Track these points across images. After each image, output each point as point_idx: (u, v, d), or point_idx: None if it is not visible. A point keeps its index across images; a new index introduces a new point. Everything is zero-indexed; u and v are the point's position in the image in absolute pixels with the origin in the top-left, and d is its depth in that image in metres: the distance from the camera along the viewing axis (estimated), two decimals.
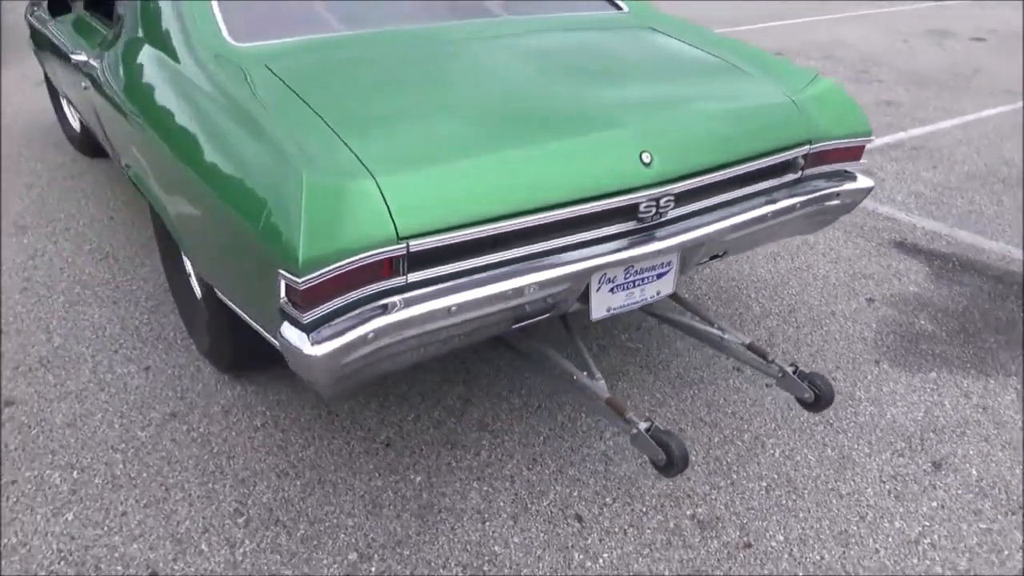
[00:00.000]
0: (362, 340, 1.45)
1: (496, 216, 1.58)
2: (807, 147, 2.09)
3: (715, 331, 2.13)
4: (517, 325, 1.81)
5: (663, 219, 1.85)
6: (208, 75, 1.86)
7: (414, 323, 1.52)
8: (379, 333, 1.47)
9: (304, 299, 1.40)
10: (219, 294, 1.94)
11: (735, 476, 2.06)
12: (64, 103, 4.48)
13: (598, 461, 2.10)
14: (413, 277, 1.54)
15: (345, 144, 1.58)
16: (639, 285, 1.92)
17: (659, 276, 1.95)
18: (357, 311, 1.48)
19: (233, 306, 1.84)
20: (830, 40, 8.09)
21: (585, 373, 1.91)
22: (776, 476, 2.07)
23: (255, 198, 1.51)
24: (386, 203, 1.48)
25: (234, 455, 2.11)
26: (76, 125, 4.39)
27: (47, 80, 4.51)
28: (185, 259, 2.51)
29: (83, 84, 2.78)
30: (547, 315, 1.87)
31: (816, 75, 2.23)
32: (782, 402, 2.35)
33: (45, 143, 4.63)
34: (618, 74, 2.08)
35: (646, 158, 1.76)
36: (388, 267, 1.50)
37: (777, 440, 2.20)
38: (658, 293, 1.98)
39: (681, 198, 1.85)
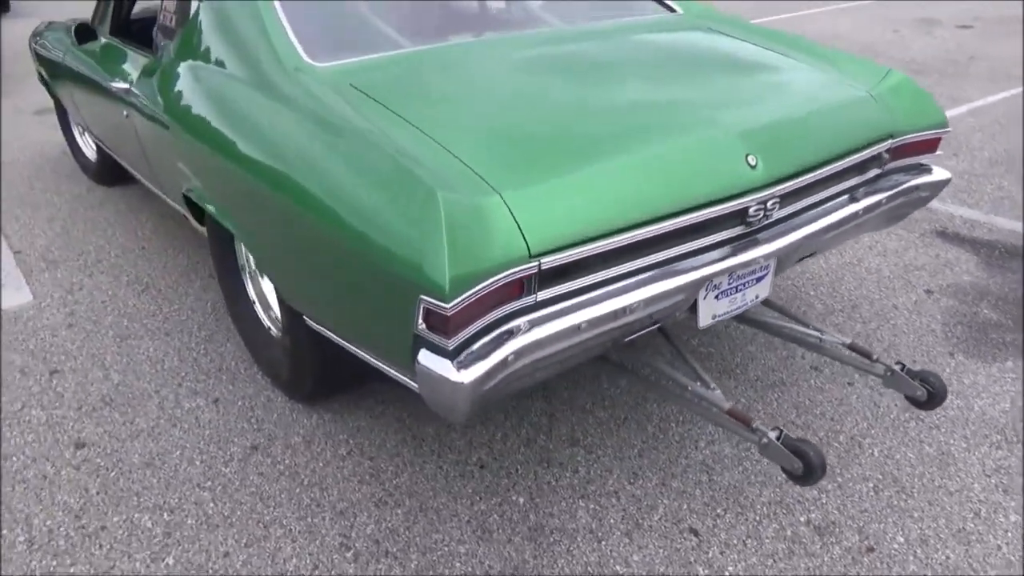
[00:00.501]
0: (503, 363, 1.40)
1: (619, 228, 1.54)
2: (889, 141, 2.07)
3: (813, 332, 2.11)
4: (628, 338, 1.77)
5: (768, 221, 1.82)
6: (297, 96, 1.80)
7: (548, 342, 1.47)
8: (518, 355, 1.43)
9: (450, 324, 1.35)
10: (310, 323, 1.88)
11: (840, 479, 2.03)
12: (77, 132, 4.39)
13: (699, 471, 2.07)
14: (542, 295, 1.50)
15: (459, 159, 1.54)
16: (740, 290, 1.89)
17: (758, 280, 1.92)
18: (493, 334, 1.43)
19: (335, 335, 1.78)
20: (827, 32, 8.15)
21: (698, 383, 1.88)
22: (881, 476, 2.04)
23: (381, 221, 1.45)
24: (515, 220, 1.43)
25: (326, 486, 2.04)
26: (91, 154, 4.29)
27: (58, 109, 4.40)
28: (249, 288, 2.44)
29: (123, 112, 2.71)
30: (655, 326, 1.83)
31: (889, 70, 2.22)
32: (867, 399, 2.33)
33: (57, 174, 4.52)
34: (699, 77, 2.05)
35: (751, 160, 1.73)
36: (520, 286, 1.46)
37: (873, 440, 2.17)
38: (756, 297, 1.95)
39: (784, 199, 1.82)
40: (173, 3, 2.54)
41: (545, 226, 1.46)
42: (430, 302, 1.34)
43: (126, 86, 2.64)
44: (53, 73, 3.88)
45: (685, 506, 1.96)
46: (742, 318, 2.19)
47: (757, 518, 1.91)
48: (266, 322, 2.41)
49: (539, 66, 2.05)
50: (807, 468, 1.64)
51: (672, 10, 2.62)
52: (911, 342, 2.62)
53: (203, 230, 2.56)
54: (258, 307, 2.44)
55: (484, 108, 1.78)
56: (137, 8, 3.29)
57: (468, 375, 1.36)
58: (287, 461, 2.14)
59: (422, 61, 2.02)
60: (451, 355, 1.38)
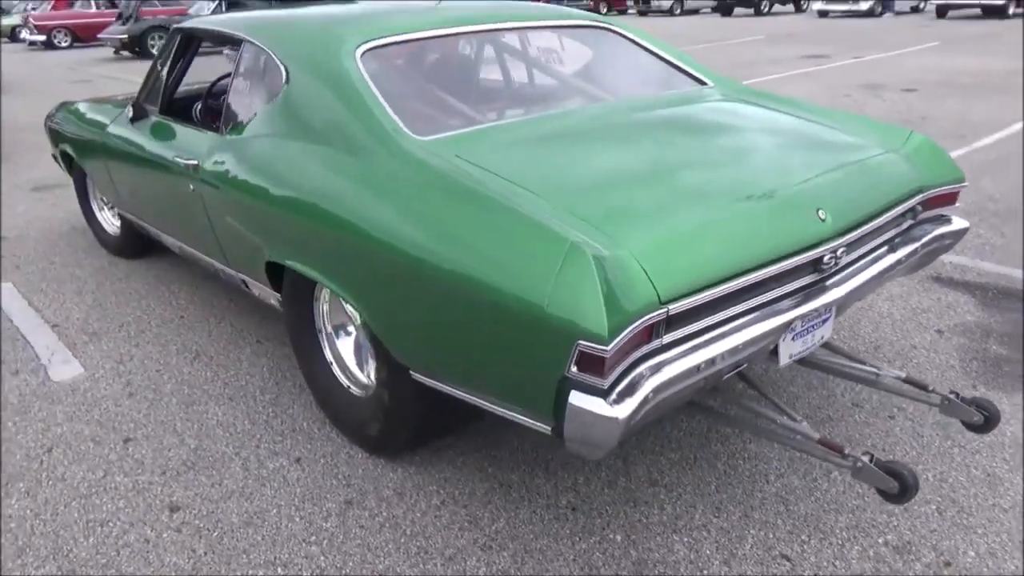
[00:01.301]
0: (646, 400, 1.56)
1: (726, 276, 1.73)
2: (920, 195, 2.33)
3: (869, 369, 2.31)
4: (725, 376, 1.94)
5: (835, 269, 2.04)
6: (413, 169, 1.97)
7: (676, 380, 1.64)
8: (655, 392, 1.59)
9: (606, 365, 1.50)
10: (421, 378, 2.00)
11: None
12: (96, 207, 4.46)
13: (776, 502, 2.22)
14: (667, 338, 1.67)
15: (578, 217, 1.72)
16: (810, 332, 2.09)
17: (823, 322, 2.12)
18: (632, 375, 1.59)
19: (456, 388, 1.90)
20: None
21: (785, 417, 2.05)
22: (940, 498, 2.22)
23: (524, 278, 1.60)
24: (644, 271, 1.61)
25: (429, 535, 2.14)
26: (112, 229, 4.36)
27: (78, 186, 4.47)
28: (325, 350, 2.55)
29: (188, 187, 2.83)
30: (740, 368, 2.01)
31: (911, 132, 2.50)
32: (910, 431, 2.53)
33: (73, 248, 4.57)
34: (756, 140, 2.29)
35: (822, 215, 1.95)
36: (649, 332, 1.62)
37: (925, 466, 2.36)
38: (821, 338, 2.15)
39: (848, 249, 2.05)
40: (245, 82, 2.71)
41: (669, 276, 1.64)
42: (588, 346, 1.50)
43: (194, 162, 2.77)
44: (82, 150, 3.97)
45: (771, 535, 2.10)
46: (804, 360, 2.38)
47: (839, 542, 2.07)
48: (344, 381, 2.52)
49: (616, 132, 2.26)
50: (903, 487, 1.81)
51: (703, 82, 2.89)
52: (936, 377, 2.85)
53: (265, 298, 2.67)
54: (335, 368, 2.55)
55: (584, 170, 1.98)
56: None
57: (622, 411, 1.51)
58: (384, 513, 2.22)
59: (512, 132, 2.22)
60: (605, 394, 1.54)
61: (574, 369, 1.55)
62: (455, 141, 2.11)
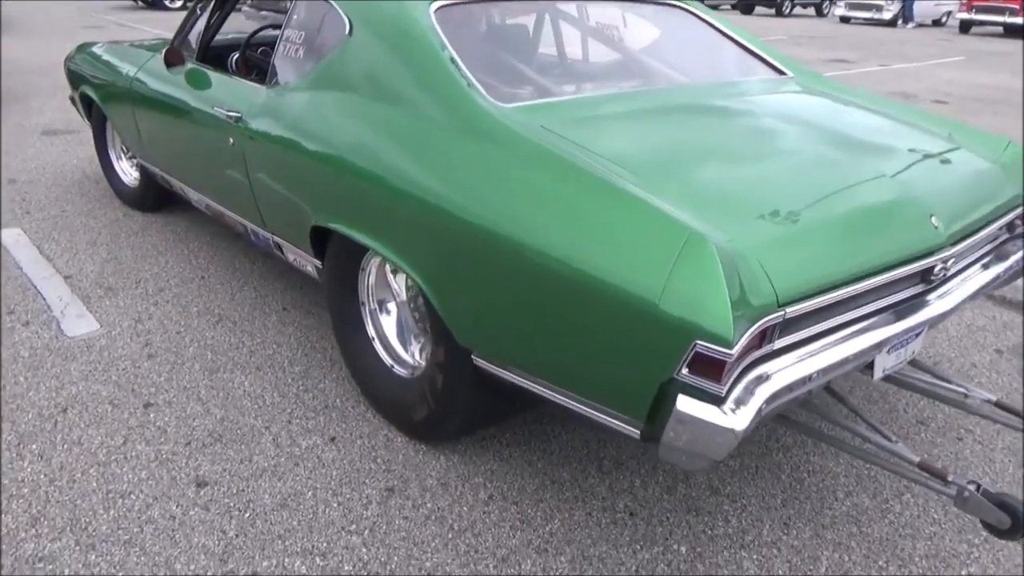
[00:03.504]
0: (759, 411, 1.40)
1: (841, 280, 1.57)
2: (1020, 208, 2.18)
3: (957, 389, 2.16)
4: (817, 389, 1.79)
5: (942, 280, 1.88)
6: (498, 137, 1.79)
7: (787, 391, 1.48)
8: (769, 401, 1.43)
9: (725, 370, 1.34)
10: (484, 364, 1.84)
11: (984, 531, 2.07)
12: (114, 156, 4.25)
13: (847, 522, 2.08)
14: (779, 343, 1.51)
15: (685, 204, 1.55)
16: (904, 346, 1.94)
17: (916, 335, 1.97)
18: (745, 380, 1.44)
19: (529, 380, 1.73)
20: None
21: (879, 436, 1.90)
22: None
23: (636, 266, 1.43)
24: (764, 270, 1.45)
25: (478, 532, 1.98)
26: (129, 180, 4.16)
27: (96, 133, 4.25)
28: (368, 326, 2.38)
29: (228, 140, 2.64)
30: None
31: (1009, 141, 2.34)
32: (980, 454, 2.39)
33: (86, 197, 4.36)
34: (848, 137, 2.12)
35: (935, 222, 1.80)
36: (763, 335, 1.46)
37: (1000, 490, 2.22)
38: (912, 352, 2.00)
39: (956, 259, 1.89)
40: (298, 33, 2.52)
41: (786, 276, 1.48)
42: (707, 347, 1.33)
43: (237, 114, 2.58)
44: (106, 95, 3.76)
45: (847, 558, 1.96)
46: (890, 376, 2.23)
47: (919, 571, 1.93)
48: (387, 360, 2.35)
49: (705, 117, 2.09)
50: (1015, 522, 1.67)
51: (782, 72, 2.72)
52: (1002, 399, 2.71)
53: (300, 265, 2.50)
54: (377, 344, 2.38)
55: (680, 155, 1.81)
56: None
57: (739, 421, 1.35)
58: (429, 505, 2.07)
59: (593, 107, 2.04)
60: (720, 401, 1.38)
61: (685, 371, 1.39)
62: (537, 110, 1.94)
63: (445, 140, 1.87)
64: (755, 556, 1.95)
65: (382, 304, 2.39)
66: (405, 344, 2.35)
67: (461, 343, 1.88)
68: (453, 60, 2.00)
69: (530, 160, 1.71)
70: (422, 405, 2.16)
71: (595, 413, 1.62)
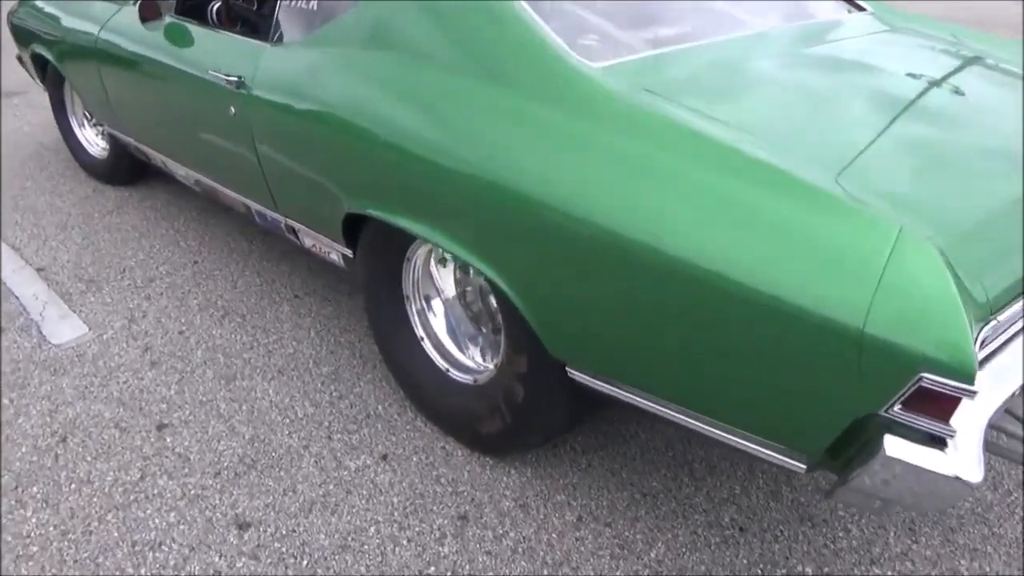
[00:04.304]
0: (984, 445, 1.14)
1: None
2: None
3: None
4: None
5: None
6: (594, 104, 1.46)
7: (998, 413, 1.22)
8: (987, 429, 1.17)
9: (954, 407, 1.07)
10: (584, 378, 1.55)
11: None
12: (76, 125, 3.77)
13: (976, 523, 1.86)
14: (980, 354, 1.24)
15: (865, 191, 1.25)
16: None
17: None
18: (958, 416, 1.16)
19: (657, 404, 1.44)
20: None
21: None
22: None
23: (826, 277, 1.12)
24: (976, 265, 1.17)
25: (575, 565, 1.72)
26: (96, 151, 3.71)
27: (53, 99, 3.76)
28: (416, 325, 2.07)
29: (229, 109, 2.25)
30: None
31: None
32: None
33: (47, 172, 3.89)
34: (980, 93, 1.81)
35: None
36: None
37: None
38: None
39: None
40: None
41: (995, 273, 1.20)
42: (936, 381, 1.05)
43: (236, 78, 2.18)
44: (65, 55, 3.28)
45: (987, 567, 1.75)
46: None
47: None
48: (441, 364, 2.05)
49: (823, 67, 1.77)
50: None
51: (861, 8, 2.39)
52: None
53: (323, 252, 2.17)
54: (427, 345, 2.07)
55: (821, 123, 1.49)
56: None
57: (976, 473, 1.08)
58: (512, 534, 1.80)
59: (687, 62, 1.70)
60: (942, 445, 1.11)
61: (897, 408, 1.11)
62: (636, 69, 1.60)
63: (522, 109, 1.52)
64: (889, 573, 1.73)
65: (429, 300, 2.07)
66: (461, 346, 2.04)
67: (555, 355, 1.58)
68: (525, 9, 1.64)
69: (644, 136, 1.38)
70: (493, 418, 1.87)
71: (744, 444, 1.35)
